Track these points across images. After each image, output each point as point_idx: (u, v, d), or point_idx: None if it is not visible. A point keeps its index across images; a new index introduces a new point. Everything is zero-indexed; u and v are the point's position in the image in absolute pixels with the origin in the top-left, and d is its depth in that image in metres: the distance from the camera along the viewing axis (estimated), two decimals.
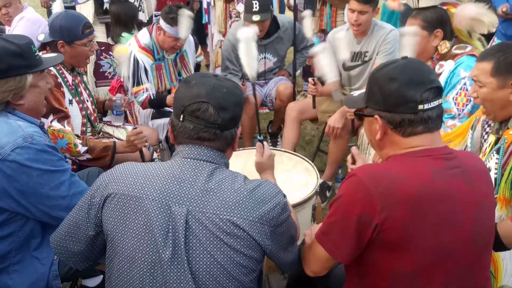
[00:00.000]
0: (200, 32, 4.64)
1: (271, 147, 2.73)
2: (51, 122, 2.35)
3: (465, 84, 2.30)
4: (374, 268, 1.34)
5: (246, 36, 2.11)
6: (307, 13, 3.03)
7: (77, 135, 2.52)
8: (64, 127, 2.38)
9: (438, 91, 1.34)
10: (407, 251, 1.27)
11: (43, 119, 2.28)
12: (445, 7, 2.45)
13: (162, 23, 3.08)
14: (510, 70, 1.72)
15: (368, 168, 1.36)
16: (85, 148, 2.44)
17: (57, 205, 1.66)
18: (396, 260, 1.28)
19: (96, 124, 2.84)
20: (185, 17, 3.05)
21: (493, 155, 1.77)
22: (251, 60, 2.14)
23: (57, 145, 2.33)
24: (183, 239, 1.26)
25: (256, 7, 3.20)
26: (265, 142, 1.92)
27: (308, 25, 2.99)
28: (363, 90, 1.52)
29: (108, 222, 1.33)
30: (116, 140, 2.69)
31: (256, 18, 3.20)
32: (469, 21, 2.36)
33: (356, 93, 1.59)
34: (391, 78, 1.34)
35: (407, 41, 2.36)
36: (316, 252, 1.42)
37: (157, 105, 3.30)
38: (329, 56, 2.02)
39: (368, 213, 1.25)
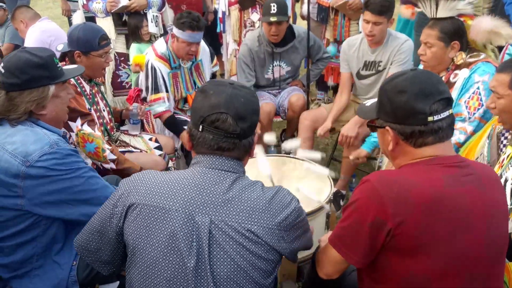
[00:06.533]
0: (214, 41, 4.69)
1: (286, 155, 2.75)
2: (81, 125, 2.39)
3: (478, 88, 2.30)
4: (387, 273, 1.35)
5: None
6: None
7: (107, 141, 2.55)
8: (94, 131, 2.43)
9: (448, 102, 1.36)
10: (420, 256, 1.28)
11: (71, 123, 2.36)
12: (462, 19, 2.42)
13: (174, 30, 3.15)
14: None
15: (381, 174, 1.38)
16: (113, 157, 2.46)
17: (89, 199, 1.73)
18: (409, 265, 1.30)
19: (112, 133, 2.88)
20: None
21: (511, 166, 1.77)
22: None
23: (85, 149, 2.40)
24: (207, 248, 1.29)
25: (274, 9, 3.30)
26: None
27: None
28: (375, 100, 1.53)
29: (130, 232, 1.35)
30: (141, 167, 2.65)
31: (273, 18, 3.30)
32: (486, 34, 2.35)
33: (368, 103, 1.60)
34: (400, 91, 1.35)
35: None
36: (329, 255, 1.45)
37: (172, 128, 3.30)
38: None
39: (381, 218, 1.28)
